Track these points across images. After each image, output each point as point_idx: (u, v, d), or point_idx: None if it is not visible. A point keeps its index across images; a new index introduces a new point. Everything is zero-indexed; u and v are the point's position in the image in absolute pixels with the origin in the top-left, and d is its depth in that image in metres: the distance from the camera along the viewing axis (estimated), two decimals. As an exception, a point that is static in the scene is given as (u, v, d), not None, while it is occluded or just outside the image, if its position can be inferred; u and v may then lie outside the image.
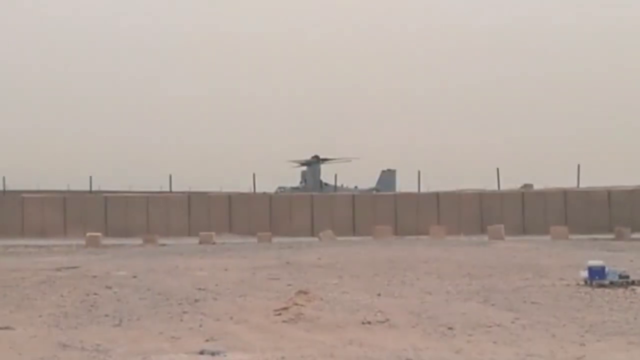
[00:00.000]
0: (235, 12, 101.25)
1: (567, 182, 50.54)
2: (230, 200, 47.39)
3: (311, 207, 46.89)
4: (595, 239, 37.70)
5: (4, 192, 49.49)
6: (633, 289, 15.88)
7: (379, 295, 15.53)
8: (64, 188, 54.95)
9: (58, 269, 21.69)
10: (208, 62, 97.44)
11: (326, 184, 60.66)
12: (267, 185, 55.50)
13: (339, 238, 38.89)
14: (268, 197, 48.95)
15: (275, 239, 38.58)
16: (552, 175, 64.76)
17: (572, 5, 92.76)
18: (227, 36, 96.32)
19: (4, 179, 50.14)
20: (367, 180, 65.81)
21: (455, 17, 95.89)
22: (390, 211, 46.47)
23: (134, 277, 19.41)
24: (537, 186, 52.62)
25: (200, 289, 16.75)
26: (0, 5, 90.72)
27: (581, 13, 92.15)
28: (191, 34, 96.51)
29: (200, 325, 12.16)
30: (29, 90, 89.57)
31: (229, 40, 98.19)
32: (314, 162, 64.26)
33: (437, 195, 48.23)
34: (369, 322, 12.23)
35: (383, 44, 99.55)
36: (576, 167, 50.26)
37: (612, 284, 16.29)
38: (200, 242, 37.50)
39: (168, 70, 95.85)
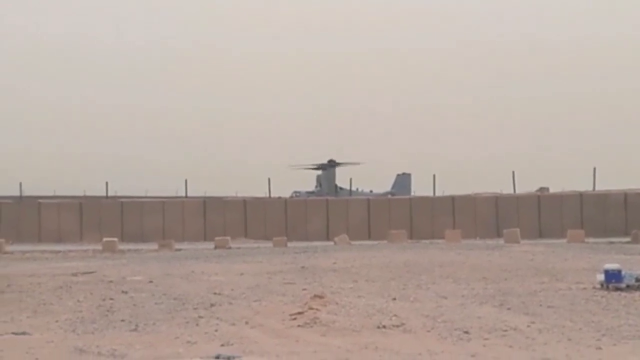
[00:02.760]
0: (253, 29, 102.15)
1: (583, 185, 50.28)
2: (246, 205, 47.42)
3: (326, 212, 46.84)
4: (612, 242, 37.47)
5: (21, 197, 49.70)
6: (650, 293, 15.79)
7: (394, 299, 15.53)
8: (80, 193, 55.25)
9: (74, 274, 21.79)
10: (231, 73, 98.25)
11: (341, 188, 60.59)
12: (282, 190, 55.59)
13: (354, 242, 38.81)
14: (283, 202, 48.95)
15: (291, 244, 38.59)
16: (568, 178, 64.63)
17: (583, 21, 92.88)
18: (248, 53, 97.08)
19: (20, 184, 50.40)
20: (382, 184, 65.85)
21: (469, 31, 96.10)
22: (406, 215, 46.34)
23: (150, 282, 19.48)
24: (553, 189, 52.37)
25: (215, 293, 16.80)
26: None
27: (591, 29, 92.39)
28: (212, 48, 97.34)
29: (216, 330, 12.19)
30: (46, 97, 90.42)
31: (251, 55, 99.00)
32: (329, 166, 64.25)
33: (452, 198, 48.06)
34: (384, 326, 12.23)
35: (397, 57, 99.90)
36: (592, 170, 50.01)
37: (628, 287, 16.22)
38: (216, 247, 37.53)
39: (189, 78, 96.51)
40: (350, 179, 55.64)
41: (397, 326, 12.26)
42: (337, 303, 14.65)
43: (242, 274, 21.45)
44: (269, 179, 51.31)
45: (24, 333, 12.27)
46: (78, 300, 16.04)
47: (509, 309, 14.08)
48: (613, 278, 16.41)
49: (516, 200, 47.25)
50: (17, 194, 50.11)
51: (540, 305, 14.45)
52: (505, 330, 11.78)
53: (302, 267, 23.02)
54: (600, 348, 10.48)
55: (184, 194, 51.07)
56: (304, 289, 17.21)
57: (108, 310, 14.58)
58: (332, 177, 63.94)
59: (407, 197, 53.73)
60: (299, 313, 13.35)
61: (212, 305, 14.98)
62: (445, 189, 51.46)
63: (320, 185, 63.81)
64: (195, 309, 14.56)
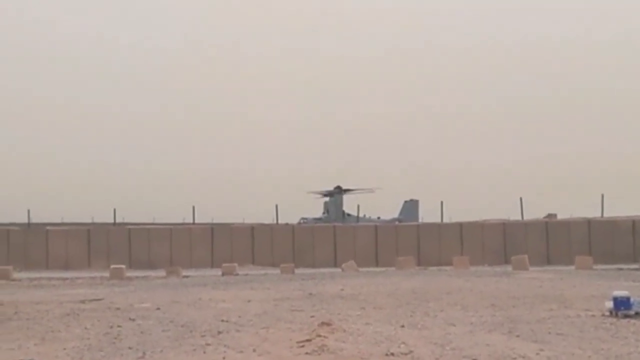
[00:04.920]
0: (253, 51, 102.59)
1: (591, 211, 50.17)
2: (253, 231, 47.47)
3: (334, 238, 46.85)
4: (620, 269, 37.35)
5: (29, 224, 49.85)
6: (659, 320, 15.71)
7: (402, 326, 15.46)
8: (87, 220, 55.39)
9: (82, 302, 21.79)
10: (240, 97, 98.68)
11: (349, 215, 60.65)
12: (289, 217, 55.66)
13: (362, 269, 38.78)
14: (291, 228, 48.98)
15: (298, 270, 38.53)
16: (576, 205, 64.36)
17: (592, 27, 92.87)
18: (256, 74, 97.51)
19: (28, 211, 50.60)
20: (389, 210, 65.89)
21: (474, 39, 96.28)
22: (413, 241, 46.32)
23: (157, 309, 19.45)
24: (561, 216, 52.28)
25: (223, 320, 16.75)
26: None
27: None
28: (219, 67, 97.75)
29: (224, 358, 12.15)
30: (53, 123, 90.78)
31: (259, 77, 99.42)
32: (337, 193, 64.34)
33: (460, 225, 48.01)
34: (393, 354, 12.17)
35: (401, 79, 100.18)
36: (600, 196, 49.93)
37: (637, 314, 16.13)
38: (223, 274, 37.51)
39: (191, 104, 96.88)
40: (358, 206, 55.79)
41: (406, 354, 12.19)
42: (344, 330, 14.60)
43: (249, 301, 21.40)
44: (276, 206, 51.48)
45: (31, 360, 12.26)
46: (85, 328, 16.02)
47: (517, 336, 14.01)
48: (622, 305, 16.34)
49: (524, 227, 47.17)
50: (25, 220, 50.26)
51: (549, 332, 14.38)
52: (514, 358, 11.71)
53: (310, 294, 22.96)
54: (609, 376, 10.42)
55: (191, 221, 51.15)
56: (312, 316, 17.15)
57: (115, 338, 14.55)
58: (340, 203, 64.02)
59: (415, 223, 53.71)
60: (307, 340, 13.30)
61: (219, 332, 14.94)
62: (453, 216, 51.50)
63: (328, 212, 63.86)
64: (202, 336, 14.52)
